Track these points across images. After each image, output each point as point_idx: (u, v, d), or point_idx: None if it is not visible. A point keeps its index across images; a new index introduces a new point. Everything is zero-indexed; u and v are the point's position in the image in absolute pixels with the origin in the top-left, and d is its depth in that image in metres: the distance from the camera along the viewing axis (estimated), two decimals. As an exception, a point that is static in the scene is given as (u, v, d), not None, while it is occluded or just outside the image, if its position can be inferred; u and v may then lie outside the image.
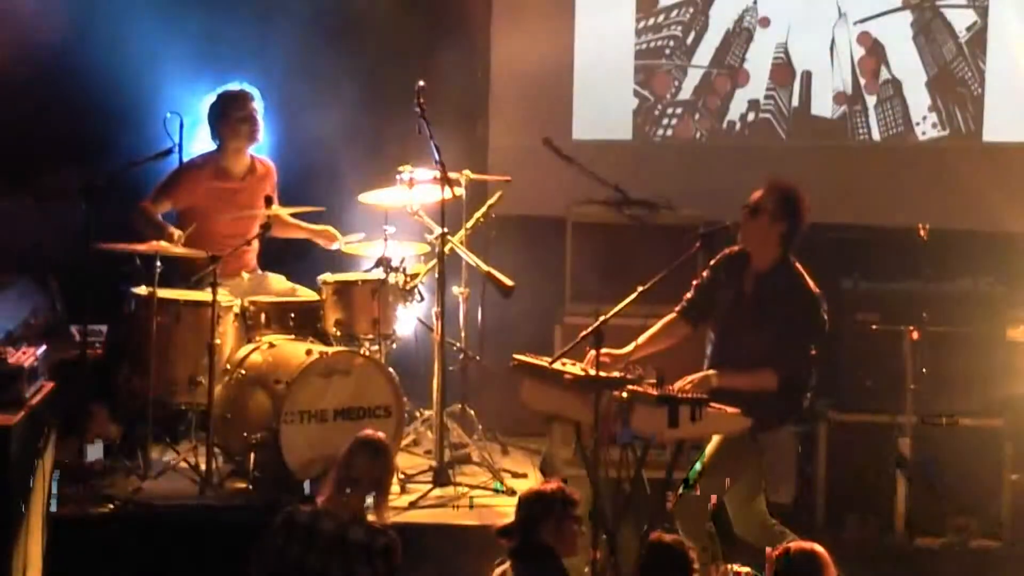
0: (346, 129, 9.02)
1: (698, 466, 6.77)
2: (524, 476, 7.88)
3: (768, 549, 5.61)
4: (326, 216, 8.32)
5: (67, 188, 7.97)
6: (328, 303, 7.87)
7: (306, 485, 7.16)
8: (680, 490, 6.77)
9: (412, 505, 7.33)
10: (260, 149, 8.36)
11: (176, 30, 8.96)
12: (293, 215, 8.15)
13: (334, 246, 8.25)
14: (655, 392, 6.40)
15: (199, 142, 8.62)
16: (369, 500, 5.96)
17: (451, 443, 7.79)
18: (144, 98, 8.69)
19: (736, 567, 6.48)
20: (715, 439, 6.78)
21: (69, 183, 8.01)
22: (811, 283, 6.82)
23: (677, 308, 7.02)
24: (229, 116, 8.12)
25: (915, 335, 8.23)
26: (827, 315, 6.84)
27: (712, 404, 6.50)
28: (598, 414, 6.42)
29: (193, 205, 8.08)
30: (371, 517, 5.90)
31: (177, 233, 7.83)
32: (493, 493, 7.53)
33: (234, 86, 8.19)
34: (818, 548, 5.44)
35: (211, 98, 8.20)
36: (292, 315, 7.86)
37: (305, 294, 8.15)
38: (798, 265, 6.85)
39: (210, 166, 8.15)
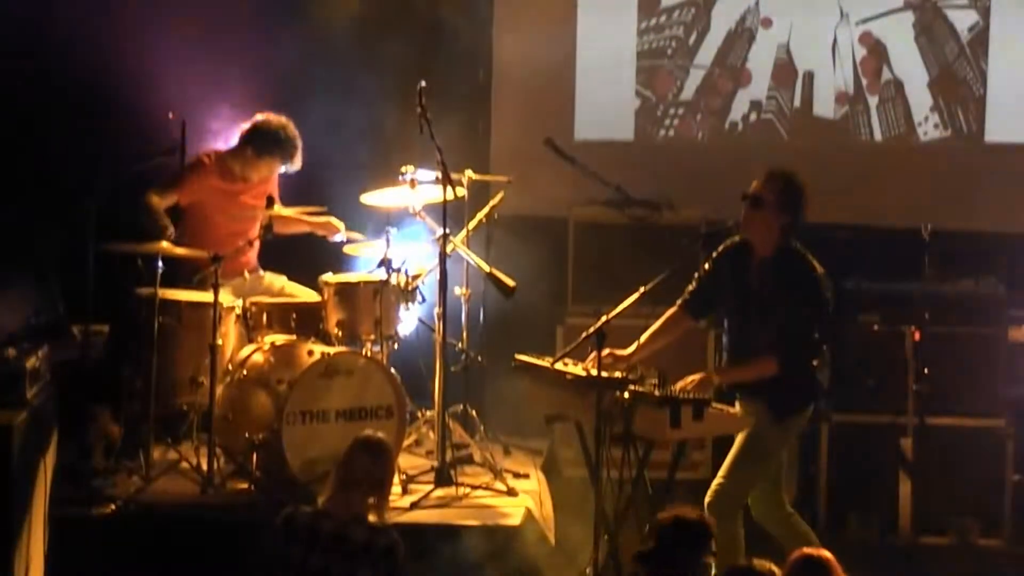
0: (348, 129, 9.02)
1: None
2: (526, 476, 7.88)
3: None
4: (328, 215, 8.32)
5: (69, 188, 7.97)
6: (330, 304, 7.86)
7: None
8: (712, 485, 6.77)
9: (414, 505, 7.32)
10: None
11: (178, 30, 8.95)
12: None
13: (337, 237, 8.21)
14: (657, 393, 6.41)
15: (201, 142, 8.63)
16: (370, 500, 5.94)
17: (453, 443, 7.78)
18: (145, 98, 8.69)
19: None
20: (742, 433, 6.77)
21: (71, 183, 8.00)
22: (815, 265, 6.80)
23: (679, 301, 7.01)
24: (260, 156, 8.07)
25: (917, 335, 8.23)
26: (829, 296, 6.82)
27: (714, 404, 6.51)
28: (600, 414, 6.42)
29: (198, 201, 8.08)
30: (372, 517, 5.89)
31: (170, 230, 7.83)
32: (495, 493, 7.53)
33: (297, 143, 8.10)
34: (825, 554, 5.43)
35: (281, 122, 8.09)
36: (294, 316, 7.86)
37: (306, 295, 8.15)
38: (801, 249, 6.84)
39: (216, 164, 8.14)
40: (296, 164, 8.14)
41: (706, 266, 7.02)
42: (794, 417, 6.82)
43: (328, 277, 7.95)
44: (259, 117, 8.12)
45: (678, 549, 5.57)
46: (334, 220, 8.22)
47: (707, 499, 6.76)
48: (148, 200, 7.95)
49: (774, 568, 5.37)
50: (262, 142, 8.08)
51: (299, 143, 8.09)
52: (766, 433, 6.70)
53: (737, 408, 6.78)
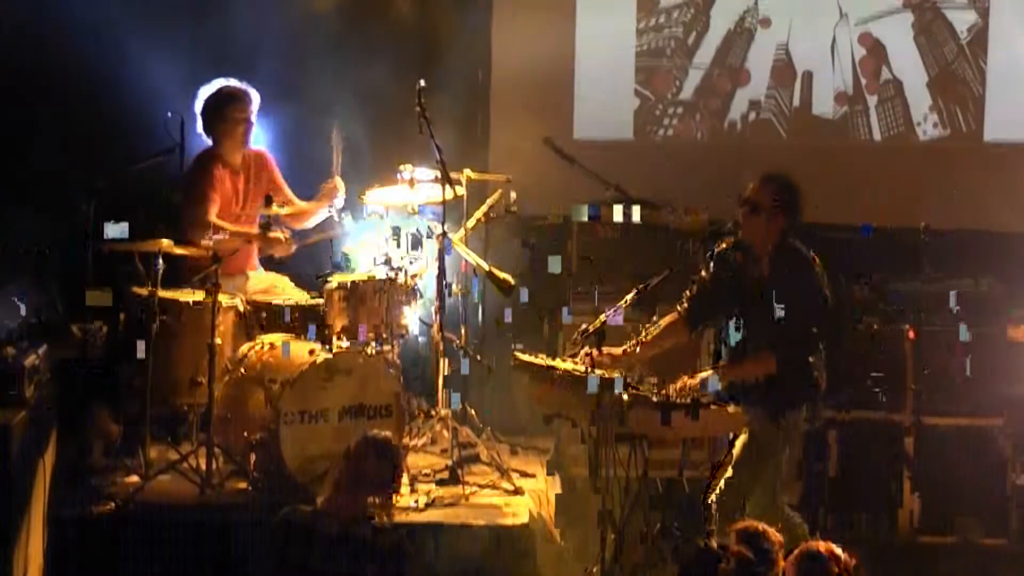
0: (347, 128, 9.01)
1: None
2: (532, 476, 7.87)
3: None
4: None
5: (69, 188, 7.97)
6: (329, 303, 7.86)
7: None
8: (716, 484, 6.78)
9: (419, 504, 7.32)
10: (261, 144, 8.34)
11: (178, 29, 8.95)
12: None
13: (339, 200, 8.13)
14: (653, 396, 6.41)
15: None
16: (375, 500, 5.93)
17: (459, 443, 7.77)
18: (145, 98, 8.68)
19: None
20: (742, 436, 6.78)
21: (70, 183, 8.00)
22: (814, 261, 6.83)
23: (678, 308, 7.02)
24: (227, 116, 8.07)
25: (916, 335, 8.23)
26: (828, 290, 6.83)
27: (712, 404, 6.51)
28: (597, 413, 6.42)
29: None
30: (377, 517, 5.88)
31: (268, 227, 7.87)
32: (501, 492, 7.53)
33: (234, 83, 8.11)
34: (828, 546, 5.44)
35: (209, 90, 8.09)
36: (294, 315, 7.85)
37: (305, 296, 8.13)
38: (798, 246, 6.85)
39: (218, 159, 8.13)
40: (256, 100, 8.08)
41: (703, 272, 7.04)
42: (791, 413, 6.82)
43: (328, 276, 7.95)
44: (199, 96, 8.13)
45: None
46: (334, 182, 8.14)
47: (711, 498, 6.75)
48: (213, 226, 7.87)
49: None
50: (216, 105, 8.05)
51: (246, 93, 8.04)
52: (765, 432, 6.70)
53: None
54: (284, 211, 8.06)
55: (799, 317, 6.74)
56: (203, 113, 8.09)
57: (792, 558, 5.46)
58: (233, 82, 8.11)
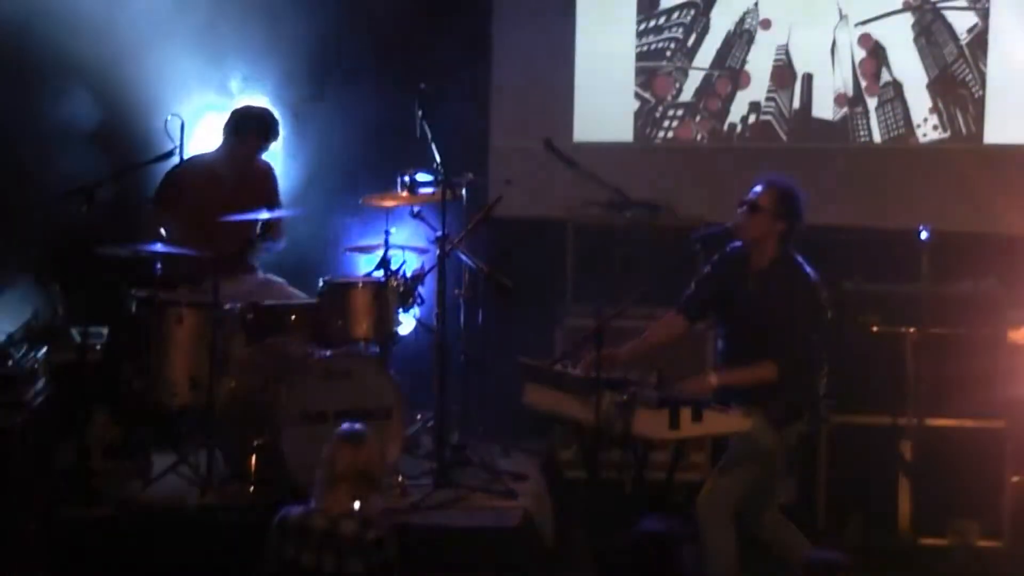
0: (347, 131, 9.02)
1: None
2: (525, 478, 7.87)
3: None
4: (327, 217, 8.33)
5: (68, 190, 7.97)
6: (329, 305, 7.86)
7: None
8: (704, 489, 6.77)
9: (412, 507, 7.32)
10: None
11: (178, 31, 8.95)
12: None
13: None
14: (656, 394, 6.41)
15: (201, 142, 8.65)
16: (358, 493, 5.90)
17: (452, 445, 7.78)
18: (144, 99, 8.69)
19: None
20: (737, 437, 6.77)
21: (70, 185, 8.00)
22: (810, 273, 6.82)
23: (676, 305, 7.03)
24: (260, 142, 8.10)
25: (916, 336, 8.23)
26: (826, 303, 6.83)
27: (713, 404, 6.51)
28: (599, 415, 6.42)
29: (193, 205, 8.07)
30: (362, 511, 5.86)
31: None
32: (493, 495, 7.53)
33: (276, 117, 8.16)
34: (838, 555, 5.44)
35: (254, 105, 8.13)
36: (292, 317, 7.86)
37: (305, 297, 8.15)
38: (797, 257, 6.85)
39: (203, 166, 8.13)
40: (275, 139, 8.15)
41: (704, 271, 7.05)
42: (791, 425, 6.82)
43: (327, 278, 7.96)
44: (238, 106, 8.15)
45: None
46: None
47: (698, 502, 6.75)
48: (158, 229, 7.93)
49: None
50: (239, 122, 8.09)
51: (278, 122, 8.12)
52: (762, 438, 6.70)
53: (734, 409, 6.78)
54: (285, 213, 8.09)
55: (800, 330, 6.74)
56: (238, 122, 8.08)
57: (804, 561, 5.46)
58: (274, 113, 8.14)
